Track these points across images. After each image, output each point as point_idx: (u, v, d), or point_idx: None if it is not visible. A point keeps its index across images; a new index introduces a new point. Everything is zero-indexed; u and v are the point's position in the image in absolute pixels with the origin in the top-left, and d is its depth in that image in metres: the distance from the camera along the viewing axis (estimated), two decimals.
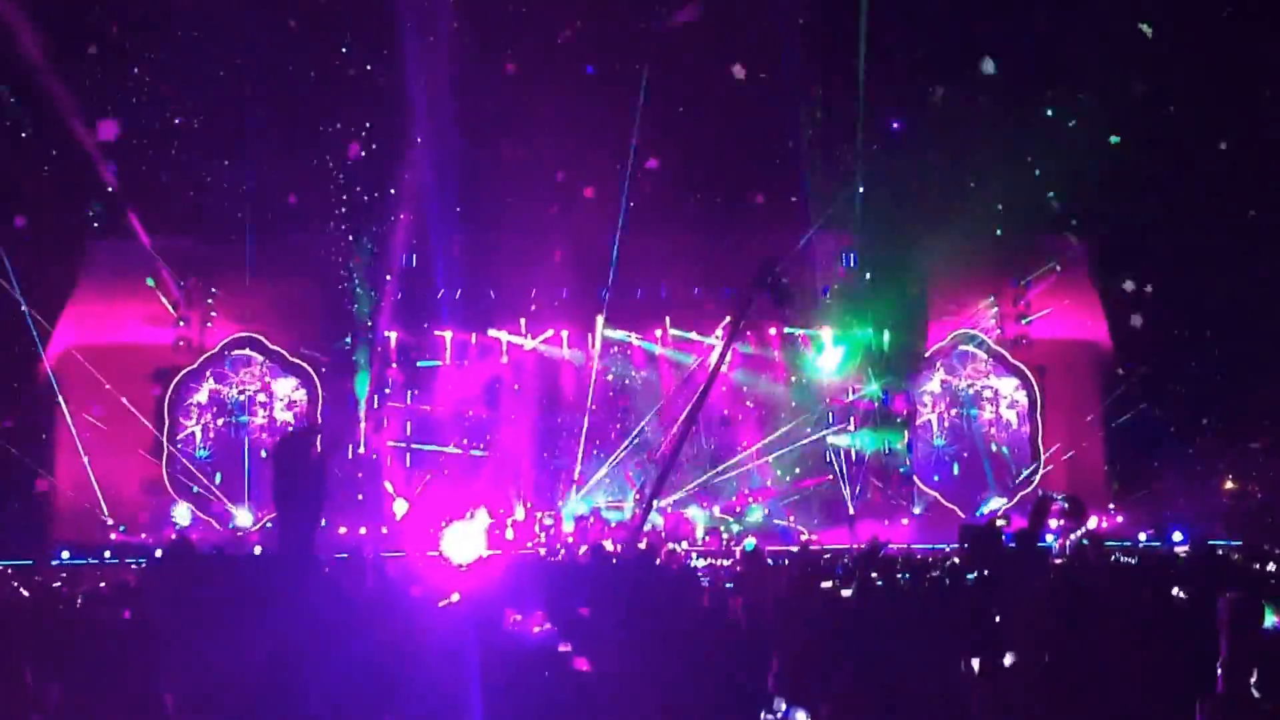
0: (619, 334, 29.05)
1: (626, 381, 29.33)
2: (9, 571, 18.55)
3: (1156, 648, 7.37)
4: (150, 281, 27.30)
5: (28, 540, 24.38)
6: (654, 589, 9.80)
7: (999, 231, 27.71)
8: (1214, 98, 23.25)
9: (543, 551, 24.00)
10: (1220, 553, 19.29)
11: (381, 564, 11.80)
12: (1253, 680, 6.43)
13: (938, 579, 12.25)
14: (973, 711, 7.69)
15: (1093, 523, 23.53)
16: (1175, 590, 8.43)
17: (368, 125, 25.66)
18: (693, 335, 28.85)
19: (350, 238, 27.06)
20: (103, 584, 15.23)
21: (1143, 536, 25.28)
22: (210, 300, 28.30)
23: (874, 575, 12.52)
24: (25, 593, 13.61)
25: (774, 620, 9.17)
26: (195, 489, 27.85)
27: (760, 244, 26.27)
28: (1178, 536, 24.06)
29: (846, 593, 11.23)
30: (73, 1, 22.78)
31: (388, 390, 29.03)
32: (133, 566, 20.30)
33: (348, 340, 27.91)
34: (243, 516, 27.48)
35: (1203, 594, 8.06)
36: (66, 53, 22.95)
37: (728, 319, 27.48)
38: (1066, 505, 15.07)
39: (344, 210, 26.74)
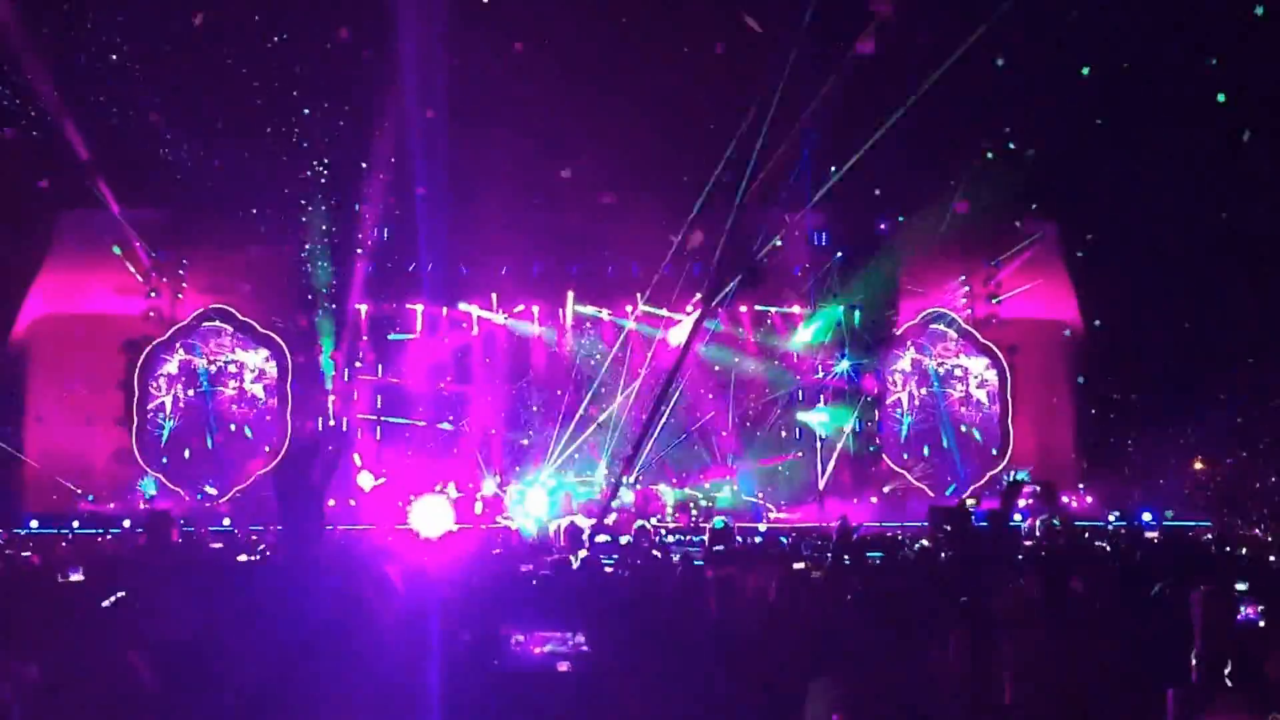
0: (590, 310, 28.97)
1: (597, 357, 29.19)
2: None
3: (1129, 637, 7.38)
4: (116, 250, 26.92)
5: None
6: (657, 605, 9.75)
7: (971, 210, 27.65)
8: (1187, 75, 23.21)
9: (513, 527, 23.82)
10: (1190, 537, 19.49)
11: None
12: (1226, 671, 6.45)
13: (910, 561, 12.30)
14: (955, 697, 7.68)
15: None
16: (1155, 587, 8.40)
17: (341, 98, 25.44)
18: (664, 312, 28.72)
19: (308, 208, 26.82)
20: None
21: (1112, 517, 25.30)
22: (181, 271, 28.19)
23: (845, 557, 12.57)
24: None
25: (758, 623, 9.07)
26: (164, 459, 27.65)
27: (732, 221, 26.26)
28: (1147, 517, 24.14)
29: (816, 574, 11.25)
30: None
31: (358, 363, 28.94)
32: (103, 537, 20.19)
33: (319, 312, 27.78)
34: (210, 487, 27.39)
35: (1176, 583, 8.07)
36: (36, 21, 22.71)
37: (698, 296, 27.42)
38: (1039, 489, 15.14)
39: (318, 182, 26.50)
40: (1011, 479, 8.76)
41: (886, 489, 29.32)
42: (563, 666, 7.93)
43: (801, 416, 29.23)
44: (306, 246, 27.46)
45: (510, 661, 7.96)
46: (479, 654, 7.98)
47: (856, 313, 29.23)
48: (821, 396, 29.53)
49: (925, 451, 30.03)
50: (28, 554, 14.76)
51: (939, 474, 29.75)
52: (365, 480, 27.48)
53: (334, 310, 28.16)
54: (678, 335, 28.64)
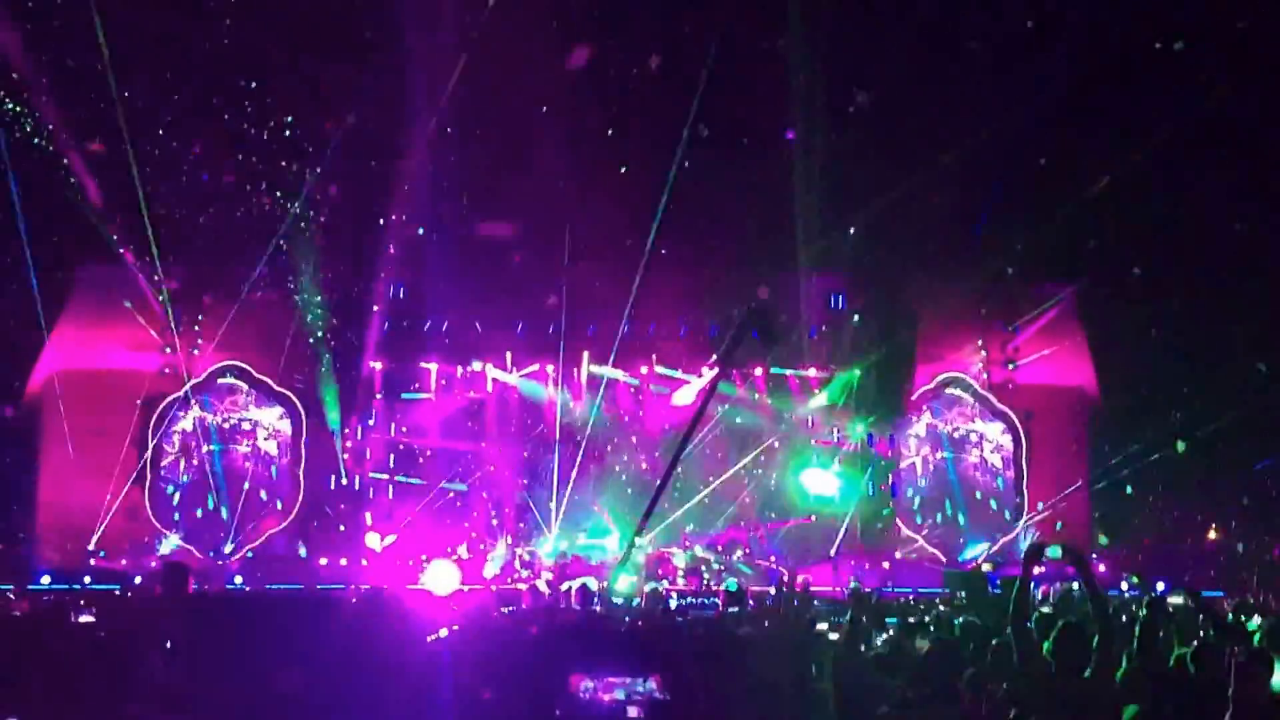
0: (605, 370, 28.87)
1: (611, 418, 29.10)
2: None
3: (1157, 706, 7.25)
4: (128, 304, 26.88)
5: (11, 563, 24.38)
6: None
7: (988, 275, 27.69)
8: (1203, 149, 23.22)
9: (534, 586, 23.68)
10: (1210, 606, 19.26)
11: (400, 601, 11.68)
12: None
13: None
14: None
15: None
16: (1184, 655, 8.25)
17: (358, 157, 25.50)
18: (678, 374, 28.68)
19: (323, 265, 26.83)
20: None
21: (1124, 585, 25.08)
22: (197, 328, 28.10)
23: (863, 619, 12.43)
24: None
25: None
26: (177, 516, 27.58)
27: (749, 283, 26.26)
28: (1161, 586, 23.91)
29: (835, 635, 11.16)
30: (61, 27, 22.55)
31: (371, 421, 28.82)
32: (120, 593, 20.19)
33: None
34: (225, 545, 27.31)
35: (1206, 651, 7.94)
36: (57, 79, 22.83)
37: (714, 357, 27.42)
38: (1069, 556, 14.96)
39: (333, 240, 26.54)
40: (1032, 544, 8.61)
41: (899, 554, 29.10)
42: (633, 712, 7.80)
43: (809, 481, 28.97)
44: (320, 303, 27.27)
45: (579, 710, 7.83)
46: (540, 706, 7.84)
47: (872, 376, 28.99)
48: (834, 461, 29.32)
49: (939, 516, 29.83)
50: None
51: (952, 538, 29.54)
52: (373, 540, 27.44)
53: (347, 368, 27.95)
54: (684, 397, 28.62)
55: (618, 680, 7.94)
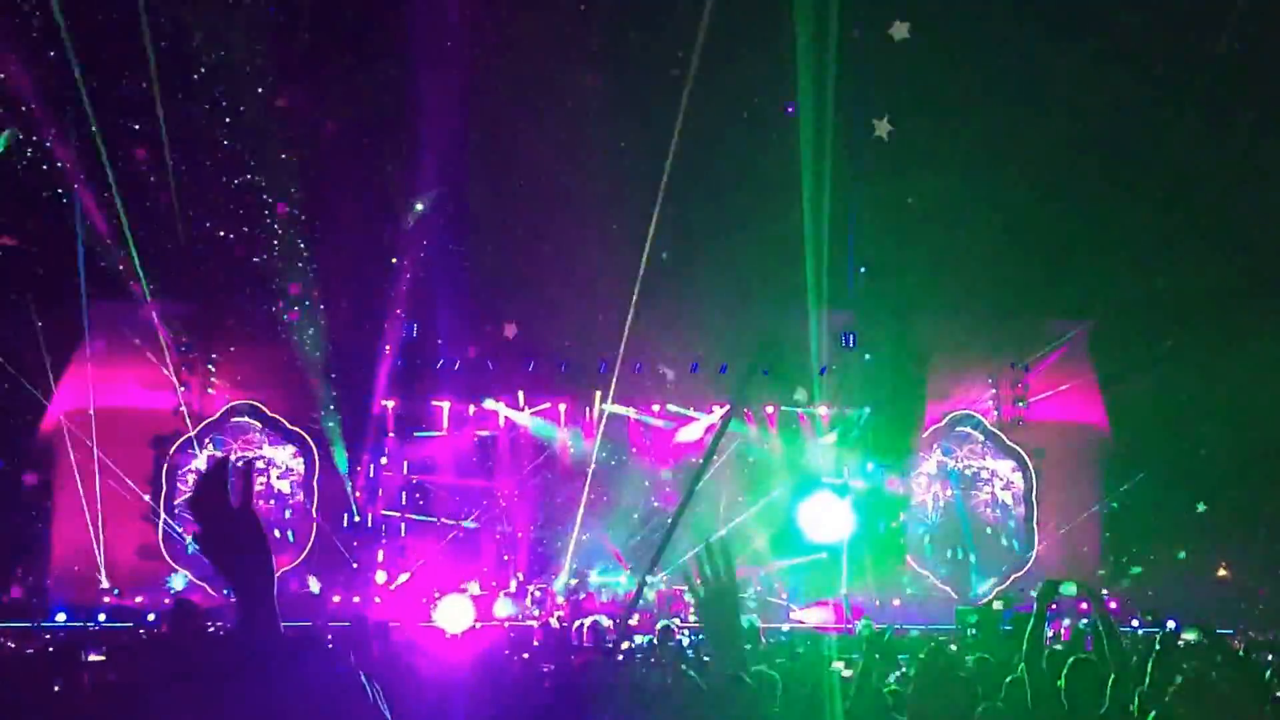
0: (617, 409, 28.93)
1: (623, 456, 29.17)
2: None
3: None
4: (140, 343, 26.97)
5: (27, 601, 24.50)
6: None
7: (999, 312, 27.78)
8: (1216, 181, 23.31)
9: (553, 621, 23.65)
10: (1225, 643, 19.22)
11: (386, 632, 11.68)
12: None
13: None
14: None
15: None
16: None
17: (369, 193, 25.63)
18: (690, 412, 28.78)
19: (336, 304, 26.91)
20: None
21: (1135, 623, 25.02)
22: (210, 366, 28.26)
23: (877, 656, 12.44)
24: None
25: None
26: (190, 554, 27.63)
27: (759, 322, 26.33)
28: (1171, 625, 23.83)
29: (848, 674, 11.16)
30: (75, 62, 22.70)
31: (384, 459, 28.89)
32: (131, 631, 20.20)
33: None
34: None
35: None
36: (71, 114, 23.00)
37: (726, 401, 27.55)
38: (1083, 594, 14.94)
39: (345, 278, 26.65)
40: (1047, 581, 8.55)
41: (910, 590, 29.07)
42: None
43: (812, 514, 28.83)
44: (333, 343, 27.38)
45: None
46: None
47: (882, 415, 29.02)
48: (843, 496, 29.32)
49: (950, 553, 29.83)
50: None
51: (963, 575, 29.52)
52: (381, 578, 27.49)
53: (360, 407, 28.07)
54: (689, 433, 28.75)
55: None
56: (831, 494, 28.90)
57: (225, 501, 2.80)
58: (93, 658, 11.25)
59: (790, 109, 24.04)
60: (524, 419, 29.30)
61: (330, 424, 28.30)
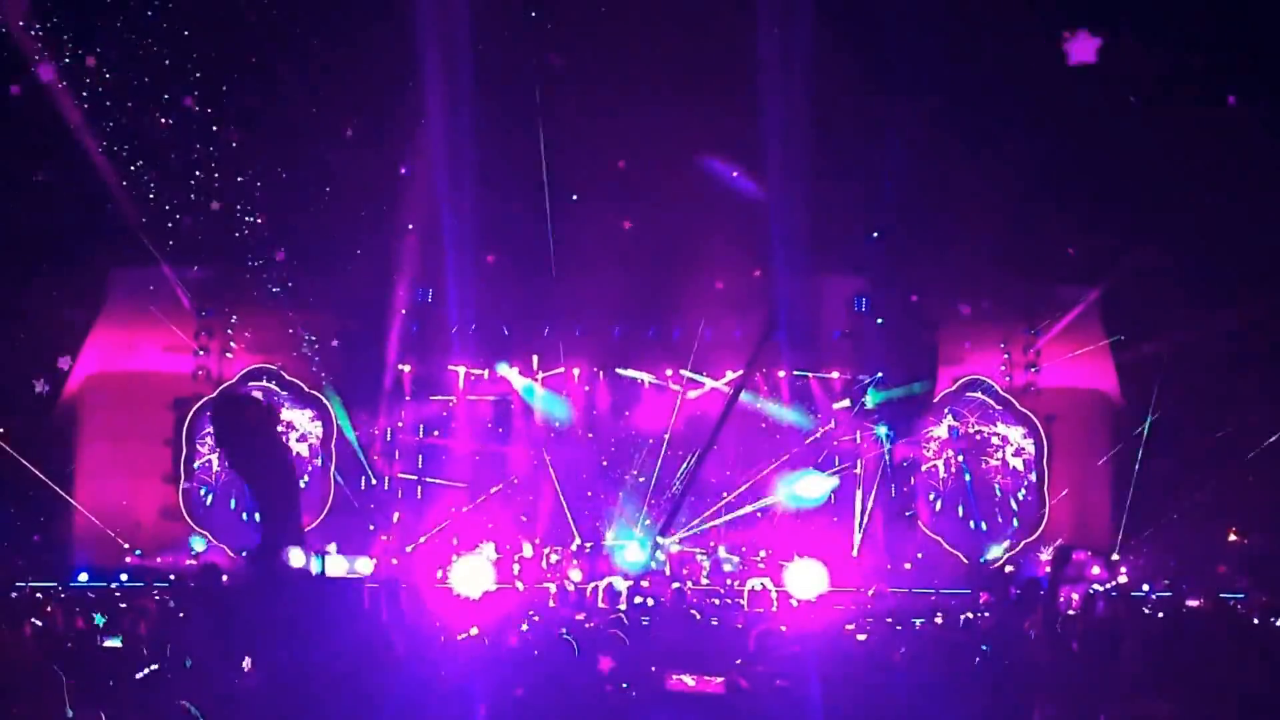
0: (632, 373, 29.03)
1: (637, 421, 29.29)
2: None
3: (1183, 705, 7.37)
4: (158, 308, 27.21)
5: (51, 562, 24.67)
6: None
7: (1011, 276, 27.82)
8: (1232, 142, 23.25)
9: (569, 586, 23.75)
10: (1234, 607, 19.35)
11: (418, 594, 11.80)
12: None
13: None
14: None
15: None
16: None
17: (389, 157, 25.65)
18: (704, 377, 28.91)
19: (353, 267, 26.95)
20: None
21: (1146, 587, 25.18)
22: (229, 330, 28.51)
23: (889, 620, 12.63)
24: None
25: None
26: (210, 516, 27.95)
27: (771, 286, 26.38)
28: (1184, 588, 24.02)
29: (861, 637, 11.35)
30: (93, 28, 22.74)
31: (400, 423, 29.18)
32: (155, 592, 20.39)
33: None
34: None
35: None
36: (90, 80, 23.03)
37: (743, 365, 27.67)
38: (1097, 558, 15.07)
39: (363, 241, 26.70)
40: (1060, 547, 8.63)
41: (920, 555, 29.20)
42: None
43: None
44: (354, 306, 27.50)
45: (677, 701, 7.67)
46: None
47: (894, 379, 29.08)
48: (859, 463, 29.47)
49: (960, 518, 29.91)
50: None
51: (974, 541, 29.64)
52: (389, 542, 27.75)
53: (377, 371, 28.32)
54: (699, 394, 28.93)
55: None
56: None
57: (244, 428, 2.97)
58: (109, 644, 11.41)
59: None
60: (518, 385, 29.32)
61: (347, 387, 28.53)
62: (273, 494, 2.92)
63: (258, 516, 2.71)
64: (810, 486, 28.51)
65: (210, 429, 23.25)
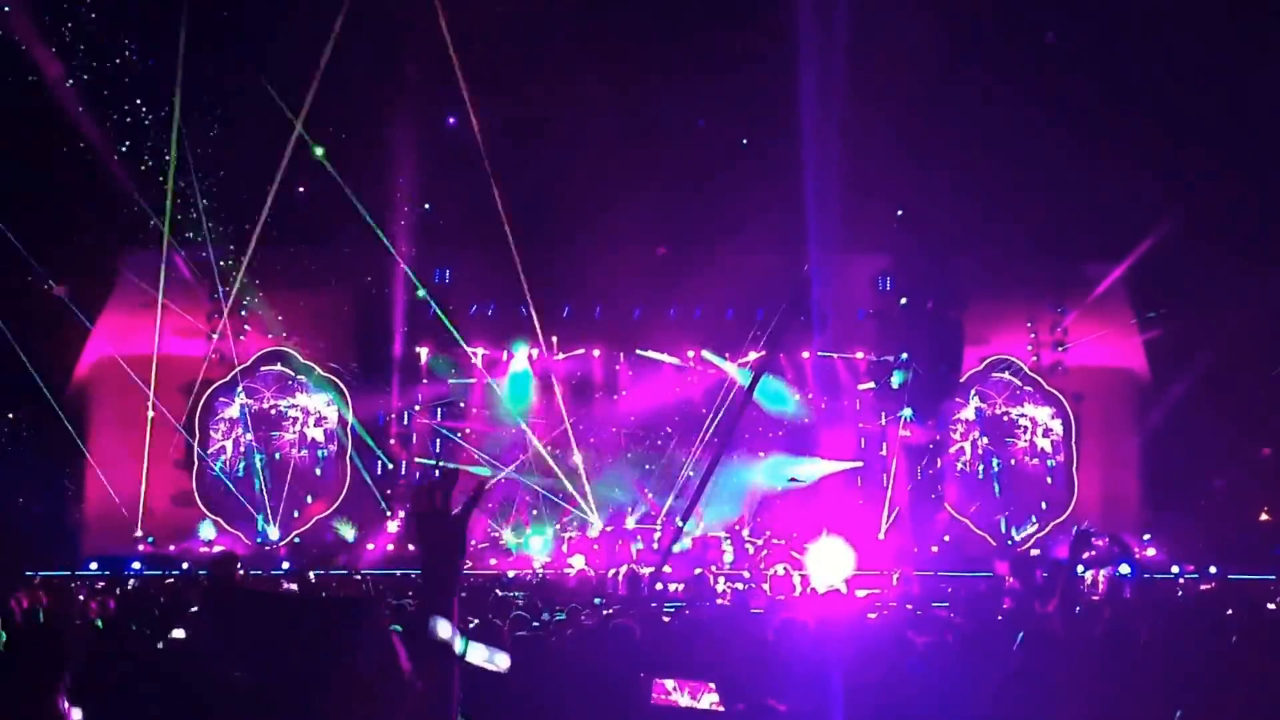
0: (653, 354, 29.04)
1: (657, 402, 29.30)
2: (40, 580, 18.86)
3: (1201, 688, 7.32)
4: (171, 290, 27.31)
5: (60, 549, 24.71)
6: None
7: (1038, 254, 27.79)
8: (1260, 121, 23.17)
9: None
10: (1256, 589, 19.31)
11: None
12: None
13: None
14: None
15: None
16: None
17: (403, 137, 25.65)
18: (725, 361, 28.95)
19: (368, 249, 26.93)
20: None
21: (1175, 569, 25.14)
22: (243, 313, 28.52)
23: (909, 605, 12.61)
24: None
25: None
26: (224, 502, 27.99)
27: (795, 267, 26.34)
28: (1213, 570, 23.97)
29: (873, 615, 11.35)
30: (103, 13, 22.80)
31: (417, 406, 29.19)
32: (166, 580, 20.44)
33: None
34: (272, 531, 27.59)
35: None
36: (100, 65, 23.09)
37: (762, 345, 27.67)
38: (1113, 545, 15.06)
39: (378, 223, 26.68)
40: (1080, 530, 8.59)
41: (947, 537, 29.20)
42: None
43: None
44: (368, 288, 27.54)
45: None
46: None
47: (920, 359, 29.06)
48: (884, 445, 29.50)
49: (987, 500, 29.90)
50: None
51: (1001, 522, 29.63)
52: (392, 527, 27.84)
53: (393, 353, 28.38)
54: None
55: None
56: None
57: (447, 508, 3.02)
58: (176, 635, 11.24)
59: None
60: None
61: (363, 371, 28.59)
62: (443, 564, 2.99)
63: (422, 581, 2.80)
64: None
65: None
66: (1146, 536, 28.04)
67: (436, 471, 26.01)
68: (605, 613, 12.02)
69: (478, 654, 3.07)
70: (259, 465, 28.72)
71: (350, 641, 2.99)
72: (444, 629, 2.97)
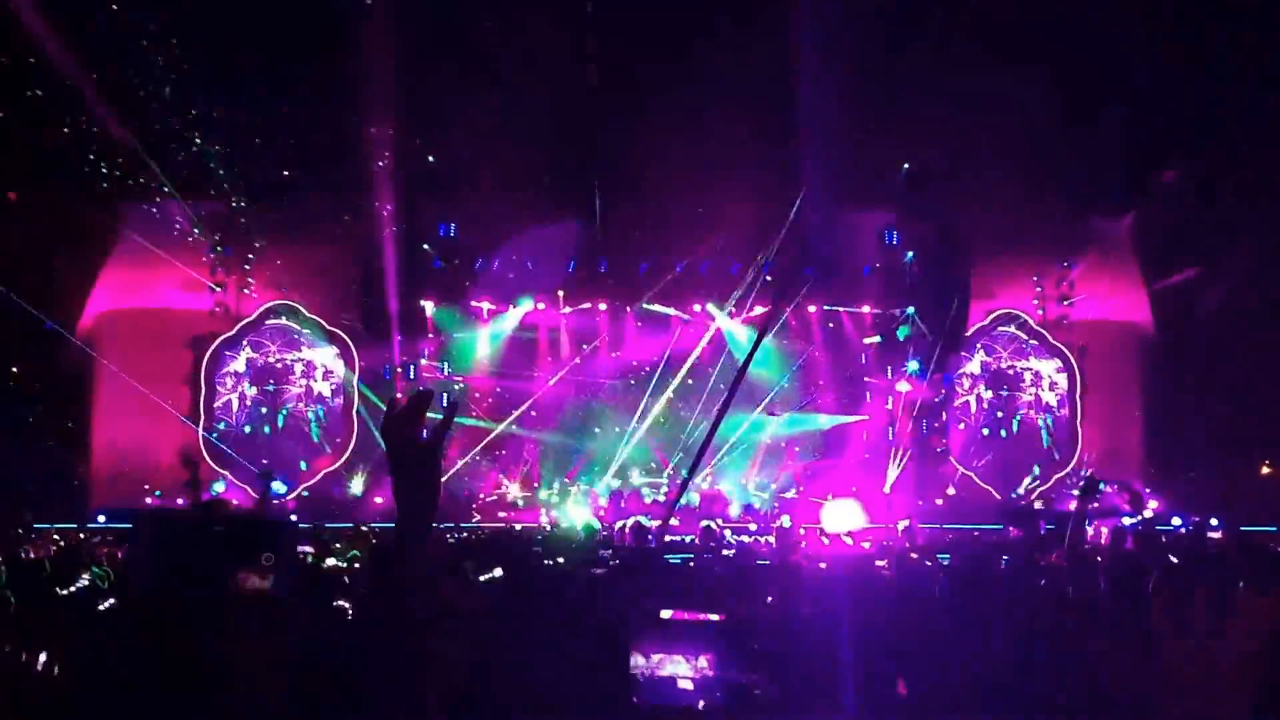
0: (659, 308, 29.26)
1: (666, 356, 29.51)
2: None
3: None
4: (175, 242, 27.51)
5: (67, 504, 24.89)
6: None
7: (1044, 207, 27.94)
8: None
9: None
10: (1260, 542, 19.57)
11: None
12: None
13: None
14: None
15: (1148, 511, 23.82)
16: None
17: (410, 92, 25.68)
18: (727, 316, 29.18)
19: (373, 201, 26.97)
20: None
21: (1176, 521, 25.39)
22: (247, 266, 28.76)
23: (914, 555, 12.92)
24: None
25: None
26: (231, 456, 28.16)
27: (801, 220, 26.49)
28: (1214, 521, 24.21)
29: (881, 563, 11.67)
30: None
31: (424, 360, 29.46)
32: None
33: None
34: (278, 485, 27.73)
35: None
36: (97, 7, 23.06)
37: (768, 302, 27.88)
38: (1124, 491, 15.36)
39: (383, 175, 26.76)
40: (1088, 479, 8.75)
41: (952, 490, 29.50)
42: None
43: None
44: (374, 240, 27.62)
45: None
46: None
47: (925, 313, 29.27)
48: (890, 400, 29.75)
49: (992, 453, 30.23)
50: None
51: (1005, 475, 29.95)
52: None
53: (399, 307, 28.39)
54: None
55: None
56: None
57: (416, 433, 3.06)
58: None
59: None
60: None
61: (367, 324, 28.83)
62: (419, 488, 3.09)
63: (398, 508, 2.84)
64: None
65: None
66: (1148, 490, 28.30)
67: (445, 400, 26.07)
68: (613, 563, 12.32)
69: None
70: (265, 419, 29.06)
71: (256, 562, 3.10)
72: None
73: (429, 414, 3.18)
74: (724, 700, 7.18)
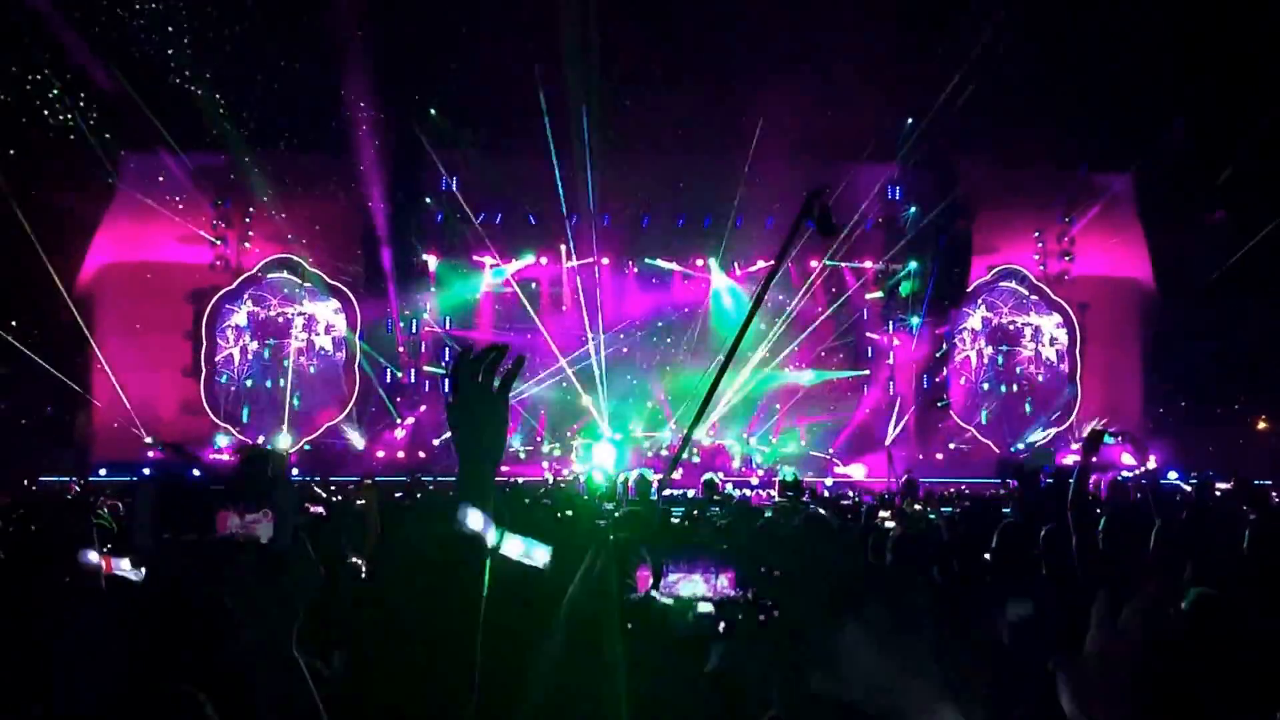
0: (661, 263, 29.38)
1: (667, 310, 29.65)
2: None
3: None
4: (171, 194, 27.68)
5: (68, 457, 25.03)
6: None
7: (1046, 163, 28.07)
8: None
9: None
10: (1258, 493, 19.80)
11: None
12: None
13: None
14: None
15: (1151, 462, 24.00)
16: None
17: (412, 45, 25.68)
18: (722, 274, 29.36)
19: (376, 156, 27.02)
20: None
21: (1174, 475, 25.60)
22: (247, 219, 28.85)
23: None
24: None
25: None
26: (233, 410, 28.29)
27: (805, 175, 26.56)
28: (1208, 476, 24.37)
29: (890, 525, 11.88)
30: None
31: (425, 314, 29.58)
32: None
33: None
34: (282, 439, 27.87)
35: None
36: None
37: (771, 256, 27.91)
38: (1128, 442, 15.57)
39: (386, 131, 26.80)
40: (1092, 430, 8.91)
41: (953, 445, 29.72)
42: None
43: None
44: (374, 194, 27.67)
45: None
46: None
47: (927, 268, 29.40)
48: (891, 355, 29.90)
49: (992, 408, 30.45)
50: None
51: (1006, 430, 30.19)
52: (399, 434, 28.21)
53: (401, 262, 28.66)
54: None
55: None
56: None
57: (489, 384, 3.16)
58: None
59: None
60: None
61: (369, 279, 28.96)
62: (490, 440, 3.06)
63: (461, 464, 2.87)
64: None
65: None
66: (1146, 443, 28.51)
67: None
68: (616, 515, 12.50)
69: (514, 547, 3.07)
70: (267, 373, 29.28)
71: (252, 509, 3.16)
72: (475, 519, 3.00)
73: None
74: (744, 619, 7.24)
